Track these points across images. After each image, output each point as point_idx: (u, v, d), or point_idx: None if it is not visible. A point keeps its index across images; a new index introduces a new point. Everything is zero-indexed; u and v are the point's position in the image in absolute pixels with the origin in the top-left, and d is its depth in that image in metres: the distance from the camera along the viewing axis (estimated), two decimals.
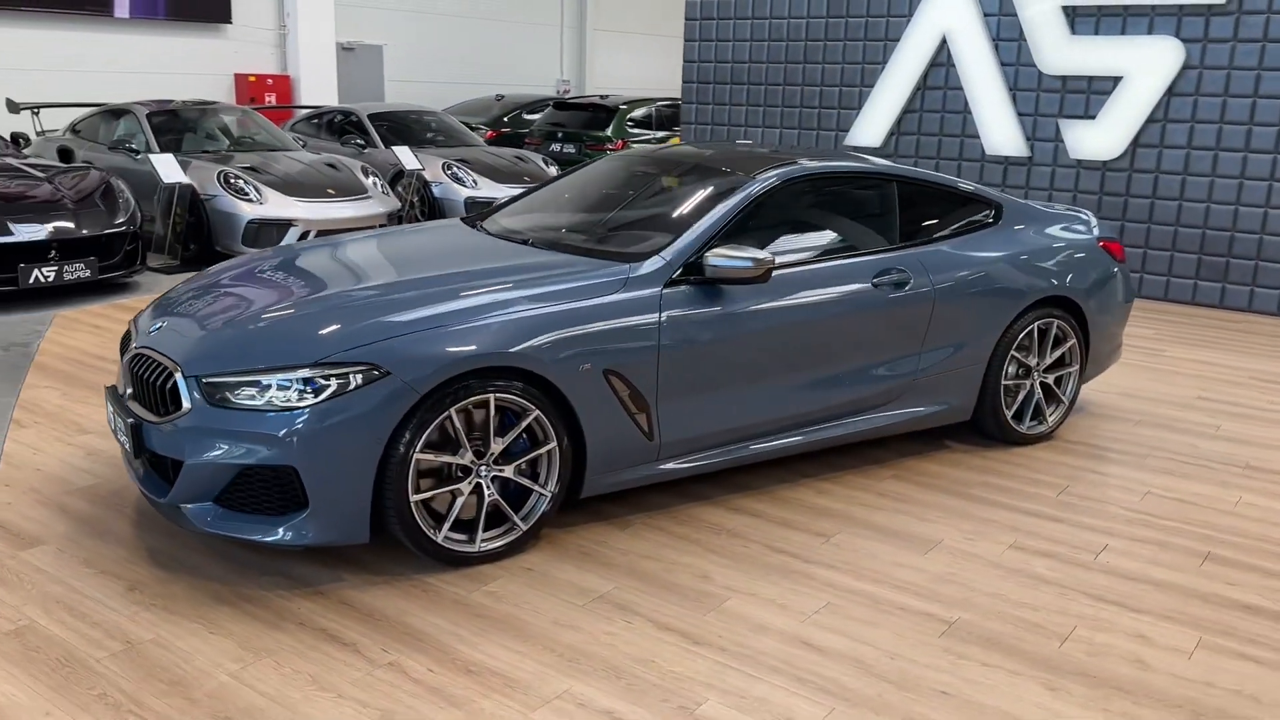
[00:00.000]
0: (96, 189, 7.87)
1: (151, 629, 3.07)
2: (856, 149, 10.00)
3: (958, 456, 4.76)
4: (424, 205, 10.71)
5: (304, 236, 8.75)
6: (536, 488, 3.61)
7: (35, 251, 7.11)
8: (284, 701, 2.74)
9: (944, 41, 9.38)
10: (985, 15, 9.12)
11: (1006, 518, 4.10)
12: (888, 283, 4.34)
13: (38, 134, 11.08)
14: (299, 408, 3.21)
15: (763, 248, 4.13)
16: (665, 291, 3.81)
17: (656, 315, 3.75)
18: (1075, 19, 8.72)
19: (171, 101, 10.52)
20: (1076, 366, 5.03)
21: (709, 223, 4.01)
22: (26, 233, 7.09)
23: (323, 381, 3.23)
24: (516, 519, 3.58)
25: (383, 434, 3.24)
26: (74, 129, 10.77)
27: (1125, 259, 5.33)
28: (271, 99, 14.85)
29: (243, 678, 2.84)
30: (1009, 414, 4.83)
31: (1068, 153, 8.92)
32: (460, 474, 3.45)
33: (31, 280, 7.06)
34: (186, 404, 3.32)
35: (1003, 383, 4.76)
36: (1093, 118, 8.75)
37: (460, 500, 3.46)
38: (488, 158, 11.44)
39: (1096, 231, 5.23)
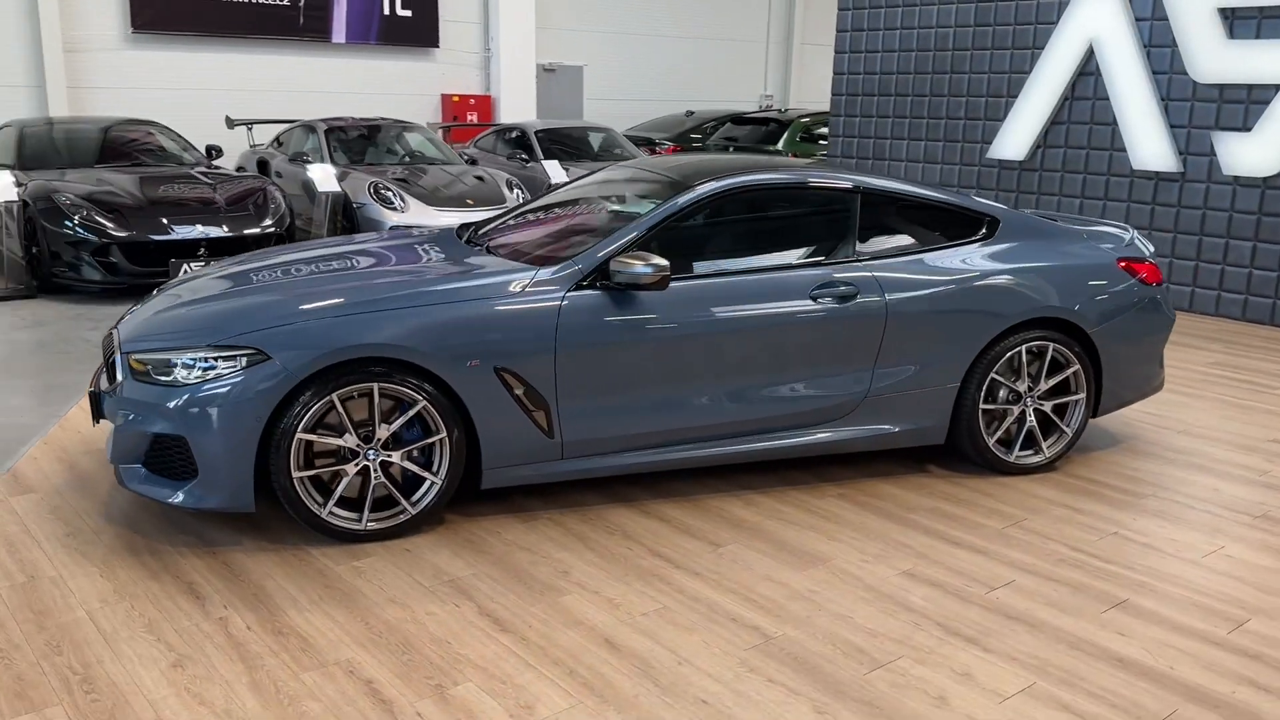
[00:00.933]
0: (252, 195, 8.84)
1: (58, 568, 3.56)
2: (1001, 162, 9.55)
3: (927, 481, 4.55)
4: None
5: None
6: (428, 475, 3.84)
7: (188, 248, 8.11)
8: (110, 639, 3.12)
9: (1091, 49, 8.78)
10: (1136, 20, 8.47)
11: (923, 544, 3.91)
12: (830, 296, 4.24)
13: (251, 147, 12.49)
14: (192, 384, 3.61)
15: (692, 257, 4.19)
16: (570, 295, 3.93)
17: (554, 318, 3.88)
18: (1234, 21, 7.94)
19: (348, 119, 11.55)
20: (1082, 395, 4.67)
21: (626, 232, 4.09)
22: (181, 232, 8.10)
23: (214, 362, 3.62)
24: (405, 503, 3.83)
25: (263, 413, 3.58)
26: (277, 142, 12.07)
27: (1161, 281, 4.87)
28: (473, 117, 15.91)
29: (95, 615, 3.25)
30: (990, 440, 4.56)
31: (1221, 169, 8.12)
32: (349, 455, 3.74)
33: (181, 274, 8.03)
34: (120, 377, 3.81)
35: (982, 407, 4.51)
36: (1249, 129, 7.92)
37: (345, 480, 3.75)
38: None
39: (1122, 250, 4.83)
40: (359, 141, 11.23)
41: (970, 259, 4.52)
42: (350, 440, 3.72)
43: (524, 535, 3.92)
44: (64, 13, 12.58)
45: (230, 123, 12.45)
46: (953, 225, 4.63)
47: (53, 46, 12.42)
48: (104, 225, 7.93)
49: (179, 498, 3.69)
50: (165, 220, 8.13)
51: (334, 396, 3.65)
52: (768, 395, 4.23)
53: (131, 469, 3.80)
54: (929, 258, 4.48)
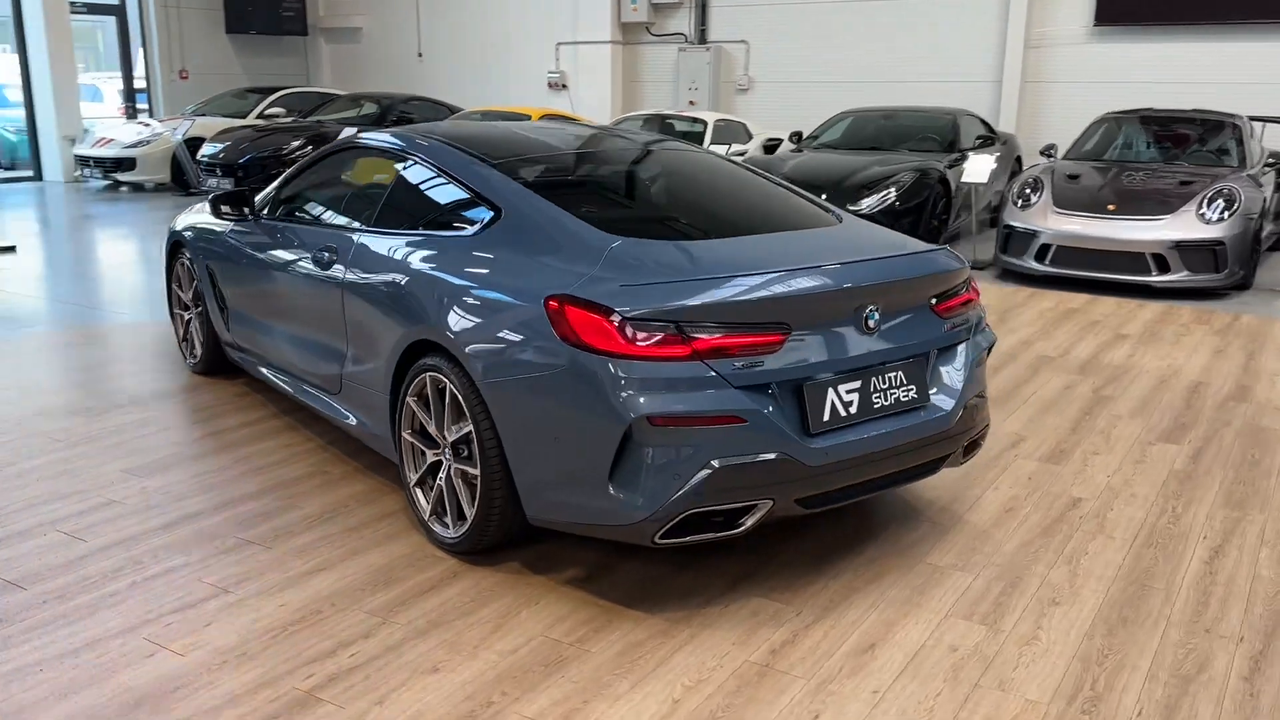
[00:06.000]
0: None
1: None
2: None
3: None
4: None
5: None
6: (197, 341, 5.42)
7: None
8: None
9: None
10: None
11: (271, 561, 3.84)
12: (320, 261, 4.09)
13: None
14: None
15: (310, 206, 4.62)
16: (245, 221, 4.88)
17: (226, 233, 4.93)
18: None
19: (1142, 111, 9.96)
20: (478, 469, 3.25)
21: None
22: None
23: None
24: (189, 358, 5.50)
25: None
26: None
27: (613, 348, 2.84)
28: None
29: None
30: (411, 479, 3.62)
31: None
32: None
33: None
34: None
35: (405, 437, 3.62)
36: None
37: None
38: None
39: (589, 287, 2.98)
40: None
41: (422, 247, 3.63)
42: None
43: (183, 430, 5.16)
44: (1031, 11, 13.34)
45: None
46: (458, 207, 3.71)
47: (1015, 43, 13.35)
48: None
49: None
50: None
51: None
52: (301, 347, 4.34)
53: None
54: (401, 239, 3.76)
